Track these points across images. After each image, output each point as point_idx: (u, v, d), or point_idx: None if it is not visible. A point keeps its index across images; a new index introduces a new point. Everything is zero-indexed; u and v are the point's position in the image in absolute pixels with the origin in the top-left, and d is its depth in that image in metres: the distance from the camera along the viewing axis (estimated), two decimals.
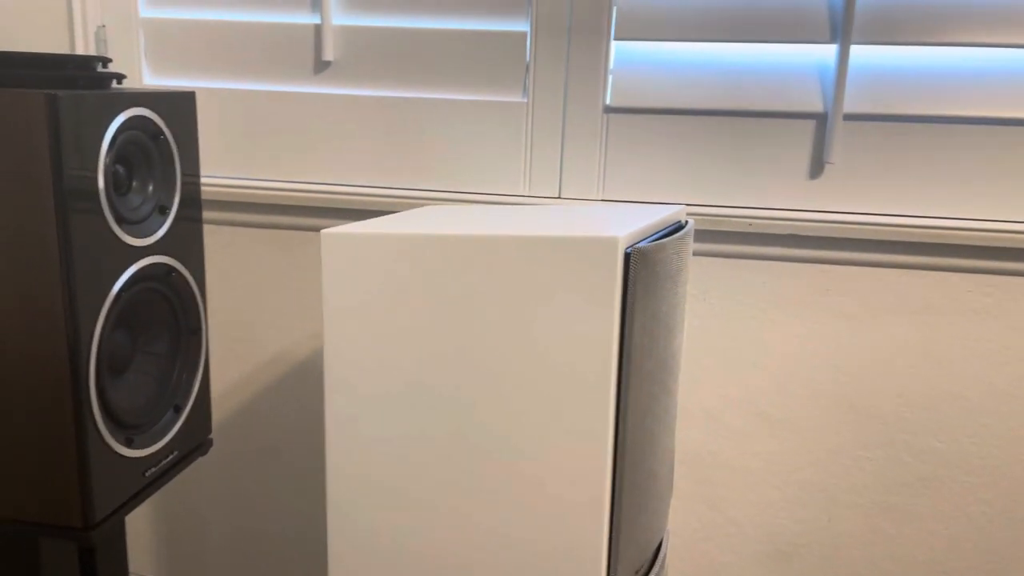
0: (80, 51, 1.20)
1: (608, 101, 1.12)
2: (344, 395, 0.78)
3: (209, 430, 1.00)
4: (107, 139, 0.78)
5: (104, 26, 1.20)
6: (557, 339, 0.70)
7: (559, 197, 1.16)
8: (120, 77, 0.86)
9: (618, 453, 0.72)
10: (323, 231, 0.77)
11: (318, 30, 1.17)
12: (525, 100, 1.14)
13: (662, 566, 0.85)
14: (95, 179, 0.77)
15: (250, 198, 1.19)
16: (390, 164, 1.19)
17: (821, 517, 1.19)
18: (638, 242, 0.71)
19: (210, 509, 1.33)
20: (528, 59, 1.13)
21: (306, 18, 1.17)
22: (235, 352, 1.27)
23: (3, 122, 0.72)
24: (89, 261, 0.77)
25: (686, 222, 0.83)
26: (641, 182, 1.14)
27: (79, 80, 0.81)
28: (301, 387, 1.26)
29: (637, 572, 0.80)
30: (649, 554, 0.82)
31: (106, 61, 0.85)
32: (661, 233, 0.78)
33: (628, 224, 0.73)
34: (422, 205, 1.16)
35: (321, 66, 1.18)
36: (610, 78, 1.12)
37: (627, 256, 0.69)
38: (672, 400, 0.85)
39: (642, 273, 0.69)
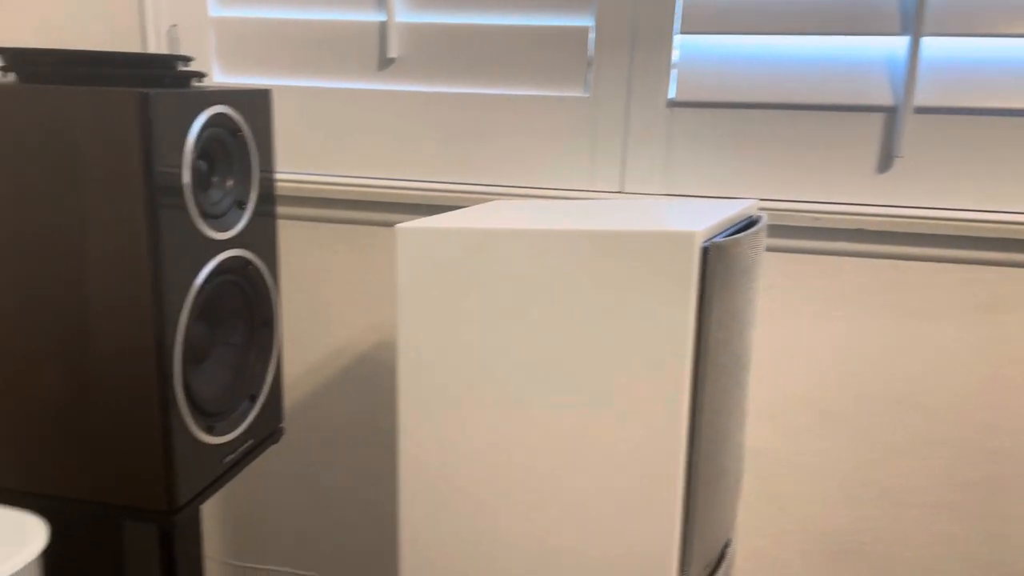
0: (152, 50, 1.24)
1: (672, 95, 1.12)
2: (417, 387, 0.79)
3: (281, 418, 1.02)
4: (192, 136, 0.80)
5: (176, 25, 1.23)
6: (632, 334, 0.71)
7: (622, 192, 1.16)
8: (200, 75, 0.89)
9: (692, 448, 0.72)
10: (398, 226, 0.78)
11: (383, 27, 1.18)
12: (588, 95, 1.14)
13: (730, 563, 0.85)
14: (181, 175, 0.79)
15: (314, 193, 1.22)
16: (452, 160, 1.20)
17: (882, 516, 1.17)
18: (714, 237, 0.71)
19: (274, 495, 1.36)
20: (591, 54, 1.13)
21: (371, 16, 1.19)
22: (299, 343, 1.30)
23: (96, 120, 0.75)
24: (175, 254, 0.79)
25: (759, 217, 0.83)
26: (705, 176, 1.13)
27: (164, 79, 0.84)
28: (364, 378, 1.29)
29: (707, 568, 0.80)
30: (719, 550, 0.82)
31: (187, 60, 0.88)
32: (735, 228, 0.78)
33: (703, 219, 0.73)
34: (485, 200, 1.17)
35: (385, 63, 1.20)
36: (674, 72, 1.12)
37: (704, 251, 0.69)
38: (744, 395, 0.85)
39: (719, 268, 0.70)
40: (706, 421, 0.73)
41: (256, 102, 0.91)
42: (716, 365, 0.72)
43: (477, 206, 0.97)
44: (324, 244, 1.26)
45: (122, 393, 0.80)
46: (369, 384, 1.29)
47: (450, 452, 0.79)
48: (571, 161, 1.17)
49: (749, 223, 0.82)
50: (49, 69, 0.80)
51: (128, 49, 1.25)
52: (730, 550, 0.86)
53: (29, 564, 0.57)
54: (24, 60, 0.81)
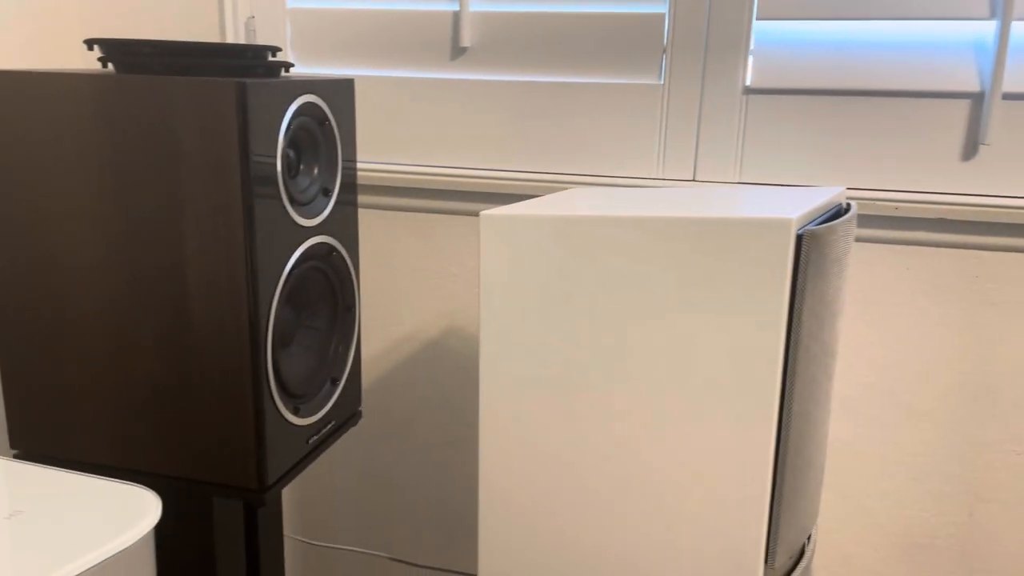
0: (231, 41, 1.27)
1: (748, 82, 1.11)
2: (498, 375, 0.80)
3: (359, 401, 1.04)
4: (284, 124, 0.82)
5: (253, 17, 1.26)
6: (723, 322, 0.71)
7: (693, 180, 1.15)
8: (289, 65, 0.91)
9: (781, 438, 0.72)
10: (482, 213, 0.79)
11: (456, 16, 1.19)
12: (661, 82, 1.14)
13: (811, 556, 0.85)
14: (274, 163, 0.81)
15: (384, 181, 1.24)
16: (522, 148, 1.21)
17: (961, 512, 1.15)
18: (807, 224, 0.71)
19: (343, 476, 1.39)
20: (665, 41, 1.12)
21: (444, 5, 1.20)
22: (369, 328, 1.32)
23: (195, 109, 0.77)
24: (268, 241, 0.82)
25: (848, 205, 0.82)
26: (781, 164, 1.12)
27: (257, 69, 0.86)
28: (433, 363, 1.31)
29: (791, 559, 0.79)
30: (803, 541, 0.81)
31: (275, 50, 0.90)
32: (825, 216, 0.77)
33: (795, 206, 0.73)
34: (554, 189, 1.18)
35: (458, 52, 1.21)
36: (751, 59, 1.10)
37: (799, 238, 0.68)
38: (831, 386, 0.84)
39: (813, 256, 0.69)
40: (796, 411, 0.72)
41: (341, 91, 0.93)
42: (807, 354, 0.72)
43: (555, 194, 0.97)
44: (392, 231, 1.28)
45: (217, 374, 0.83)
46: (438, 369, 1.31)
47: (531, 440, 0.80)
48: (642, 149, 1.16)
49: (837, 211, 0.81)
50: (146, 60, 0.82)
51: (207, 39, 1.28)
52: (812, 542, 0.85)
53: (144, 536, 0.60)
54: (122, 51, 0.84)
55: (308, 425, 0.92)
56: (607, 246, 0.73)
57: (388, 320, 1.31)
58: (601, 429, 0.77)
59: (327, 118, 0.90)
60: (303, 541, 1.43)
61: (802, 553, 0.84)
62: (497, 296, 0.79)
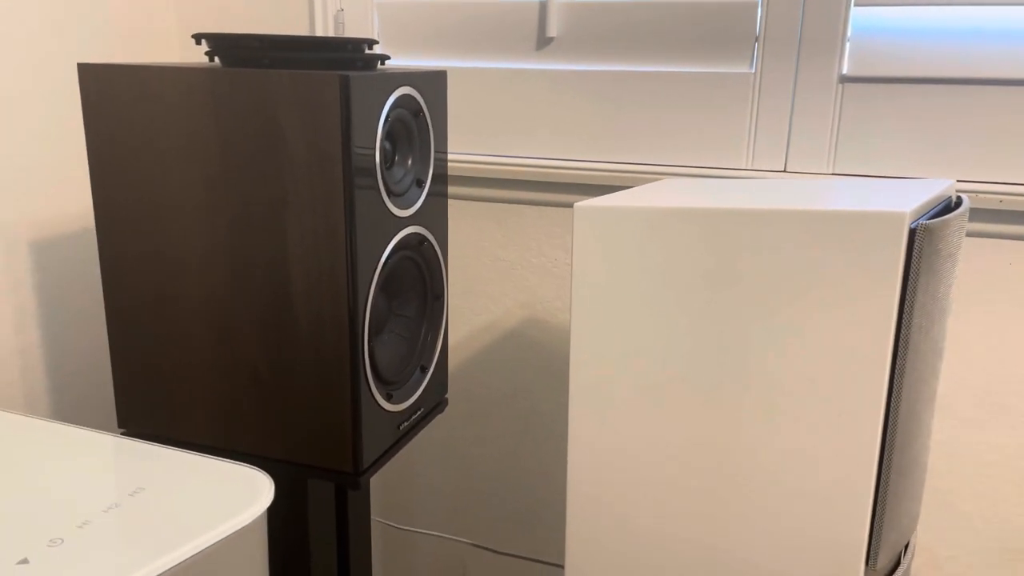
0: (319, 34, 1.29)
1: (845, 70, 1.07)
2: (590, 367, 0.80)
3: (446, 389, 1.06)
4: (383, 116, 0.83)
5: (342, 9, 1.28)
6: (830, 317, 0.69)
7: (784, 171, 1.13)
8: (385, 58, 0.92)
9: (887, 436, 0.70)
10: (576, 204, 0.79)
11: (542, 6, 1.19)
12: (753, 71, 1.11)
13: (912, 557, 0.83)
14: (373, 154, 0.83)
15: (467, 172, 1.25)
16: (608, 139, 1.20)
17: None
18: (919, 218, 0.68)
19: (424, 461, 1.41)
20: (758, 29, 1.10)
21: None
22: (450, 317, 1.34)
23: (299, 102, 0.79)
24: (367, 230, 0.83)
25: (960, 199, 0.79)
26: (877, 155, 1.09)
27: (356, 62, 0.87)
28: (512, 353, 1.31)
29: (891, 561, 0.78)
30: (905, 542, 0.79)
31: (372, 43, 0.91)
32: (936, 209, 0.75)
33: (906, 199, 0.70)
34: (641, 180, 1.17)
35: (544, 42, 1.20)
36: (847, 46, 1.07)
37: (912, 232, 0.66)
38: (937, 385, 0.81)
39: (926, 250, 0.67)
40: (903, 410, 0.70)
41: (434, 83, 0.94)
42: (916, 353, 0.70)
43: (645, 185, 0.96)
44: (474, 221, 1.29)
45: (316, 360, 0.85)
46: (517, 359, 1.31)
47: (623, 437, 0.79)
48: (731, 139, 1.14)
49: (947, 205, 0.78)
50: (253, 54, 0.85)
51: (297, 32, 1.31)
52: (912, 546, 0.83)
53: (259, 517, 0.62)
54: (228, 45, 0.87)
55: (399, 411, 0.94)
56: (708, 240, 0.73)
57: (468, 309, 1.33)
58: (699, 426, 0.76)
59: (422, 110, 0.91)
60: (386, 523, 1.46)
61: (899, 560, 0.82)
62: (590, 289, 0.79)
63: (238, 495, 0.64)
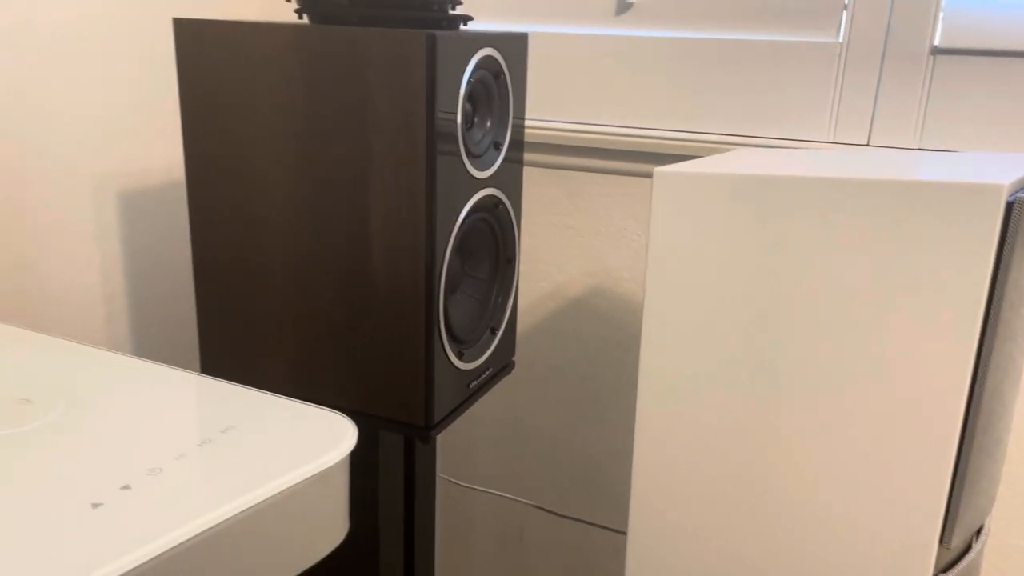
0: None
1: (937, 42, 1.04)
2: (663, 338, 0.80)
3: (513, 352, 1.07)
4: (466, 77, 0.84)
5: None
6: (917, 291, 0.68)
7: (867, 144, 1.10)
8: (468, 19, 0.93)
9: (970, 414, 0.69)
10: (656, 169, 0.79)
11: None
12: (840, 40, 1.08)
13: (984, 540, 0.81)
14: (455, 115, 0.83)
15: (539, 138, 1.25)
16: (686, 107, 1.18)
17: None
18: (1017, 192, 0.66)
19: (485, 421, 1.44)
20: None
21: None
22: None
23: (386, 60, 0.81)
24: (446, 190, 0.84)
25: None
26: (968, 131, 1.05)
27: (441, 21, 0.88)
28: (576, 322, 1.32)
29: (965, 541, 0.76)
30: (979, 524, 0.78)
31: (456, 3, 0.92)
32: None
33: (1003, 172, 0.68)
34: (717, 150, 1.15)
35: (623, 7, 1.19)
36: (941, 16, 1.03)
37: (1009, 206, 0.64)
38: None
39: (1023, 225, 0.65)
40: (988, 387, 0.69)
41: (516, 45, 0.94)
42: (1006, 329, 0.68)
43: (721, 154, 0.95)
44: (543, 189, 1.29)
45: (393, 315, 0.87)
46: (582, 328, 1.32)
47: (695, 409, 0.79)
48: (813, 110, 1.12)
49: None
50: (342, 11, 0.86)
51: None
52: (987, 527, 0.82)
53: (344, 458, 0.64)
54: (316, 2, 0.88)
55: (470, 370, 0.96)
56: (794, 209, 0.72)
57: (532, 275, 1.33)
58: (773, 400, 0.76)
59: (503, 72, 0.92)
60: (448, 479, 1.49)
61: (972, 542, 0.81)
62: (667, 257, 0.79)
63: (323, 437, 0.66)
